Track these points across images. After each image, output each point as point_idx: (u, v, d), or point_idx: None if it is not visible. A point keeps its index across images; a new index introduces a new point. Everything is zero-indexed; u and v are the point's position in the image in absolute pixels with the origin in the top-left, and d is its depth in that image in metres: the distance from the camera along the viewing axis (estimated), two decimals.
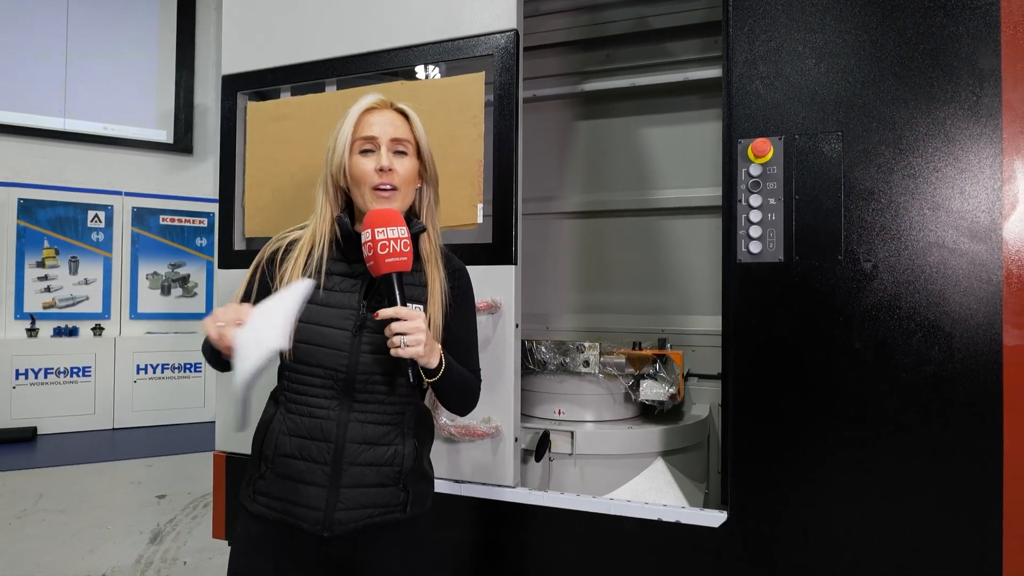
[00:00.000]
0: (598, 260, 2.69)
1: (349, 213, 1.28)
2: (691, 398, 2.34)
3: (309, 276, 1.21)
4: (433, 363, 1.16)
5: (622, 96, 2.65)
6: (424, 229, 1.26)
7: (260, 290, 1.26)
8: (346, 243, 1.24)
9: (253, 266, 1.30)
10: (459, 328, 1.31)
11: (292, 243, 1.28)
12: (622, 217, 2.66)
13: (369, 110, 1.24)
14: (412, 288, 1.23)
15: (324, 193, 1.26)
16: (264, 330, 1.07)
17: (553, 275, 2.73)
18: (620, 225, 2.66)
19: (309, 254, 1.24)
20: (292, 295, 1.12)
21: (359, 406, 1.21)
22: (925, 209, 1.37)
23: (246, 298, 1.25)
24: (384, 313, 1.12)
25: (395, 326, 1.11)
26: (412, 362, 1.13)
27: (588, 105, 2.73)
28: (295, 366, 1.21)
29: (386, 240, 1.13)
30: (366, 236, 1.14)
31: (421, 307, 1.20)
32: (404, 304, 1.14)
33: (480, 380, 1.36)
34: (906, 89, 1.39)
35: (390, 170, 1.21)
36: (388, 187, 1.21)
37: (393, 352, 1.11)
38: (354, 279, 1.24)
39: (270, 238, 1.35)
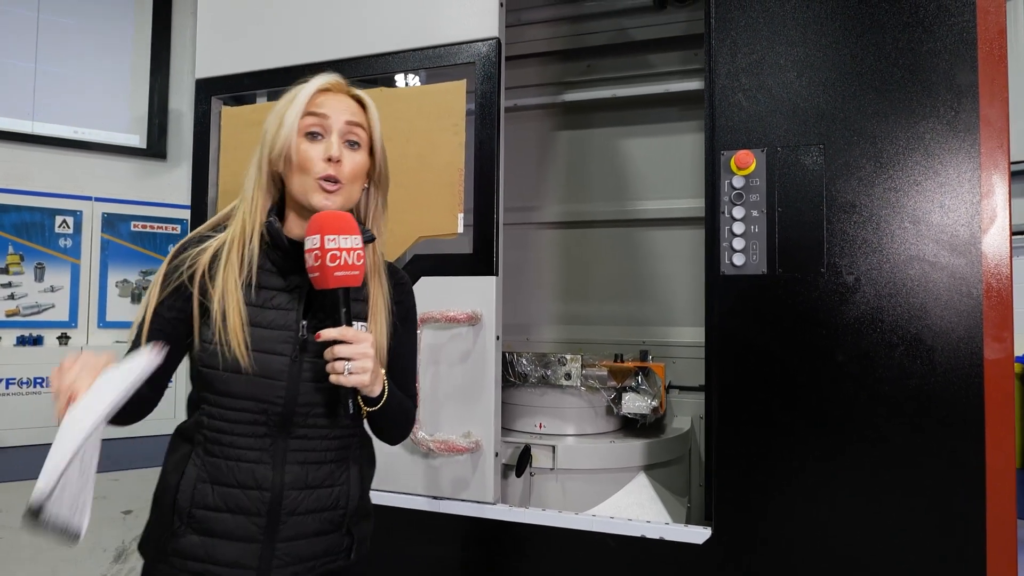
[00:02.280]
0: (578, 271, 2.68)
1: (279, 209, 1.08)
2: (672, 410, 2.32)
3: (246, 289, 1.02)
4: (376, 391, 1.02)
5: (602, 107, 2.64)
6: (374, 238, 1.09)
7: (177, 317, 1.04)
8: (278, 250, 1.05)
9: (163, 281, 1.04)
10: (402, 349, 1.16)
11: (204, 243, 1.06)
12: (602, 228, 2.65)
13: (323, 91, 1.05)
14: (354, 304, 1.04)
15: (257, 180, 1.05)
16: (79, 419, 0.82)
17: (533, 286, 2.71)
18: (600, 236, 2.65)
19: (240, 259, 1.02)
20: (130, 373, 0.86)
21: (297, 443, 1.02)
22: (906, 222, 1.37)
23: (159, 329, 1.03)
24: (327, 334, 0.97)
25: (338, 349, 0.96)
26: (353, 391, 0.98)
27: (568, 115, 2.72)
28: (218, 399, 1.00)
29: (337, 250, 0.95)
30: (312, 243, 0.97)
31: (364, 326, 1.06)
32: (350, 324, 0.99)
33: (417, 406, 1.24)
34: (885, 103, 1.39)
35: (339, 161, 1.02)
36: (334, 180, 1.02)
37: (334, 379, 0.97)
38: (289, 293, 1.05)
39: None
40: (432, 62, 1.73)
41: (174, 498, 1.01)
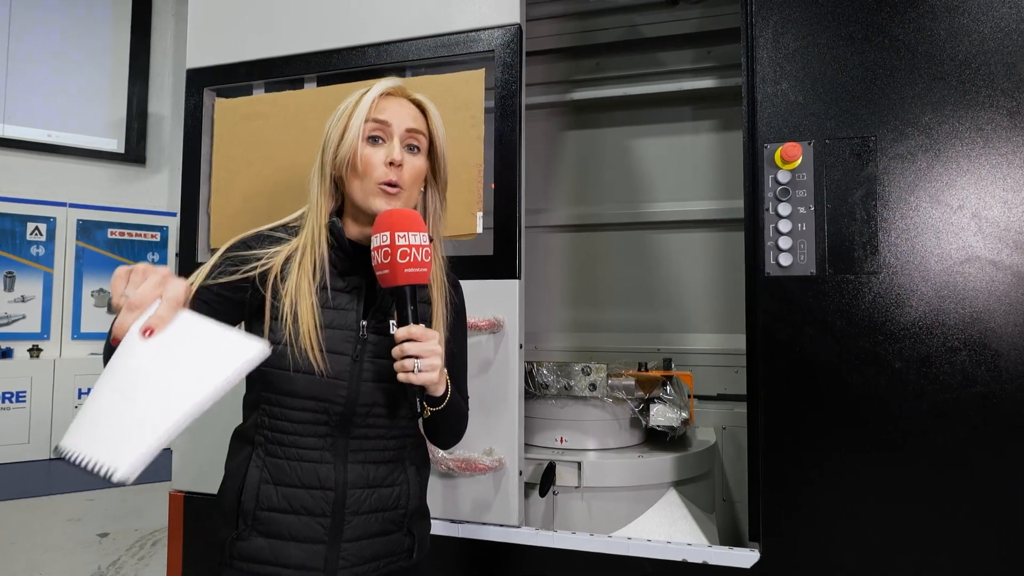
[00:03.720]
0: (589, 276, 2.56)
1: (337, 212, 1.11)
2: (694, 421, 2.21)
3: (320, 291, 1.02)
4: (440, 390, 1.02)
5: (613, 106, 2.55)
6: (431, 239, 1.08)
7: (224, 292, 1.01)
8: (339, 251, 1.06)
9: (219, 259, 1.02)
10: (455, 349, 1.16)
11: (272, 243, 1.06)
12: (614, 231, 2.54)
13: (385, 95, 1.07)
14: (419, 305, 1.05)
15: (321, 185, 1.06)
16: (176, 386, 0.72)
17: (542, 292, 2.59)
18: (612, 239, 2.55)
19: (313, 263, 1.04)
20: (245, 354, 0.76)
21: (357, 443, 1.03)
22: (966, 219, 1.28)
23: (202, 297, 1.00)
24: (400, 333, 0.96)
25: (408, 347, 0.95)
26: (420, 389, 0.98)
27: (577, 115, 2.62)
28: (280, 399, 1.01)
29: (407, 247, 0.95)
30: (382, 240, 0.97)
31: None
32: (417, 322, 0.97)
33: (468, 408, 1.21)
34: (940, 92, 1.31)
35: (400, 165, 1.03)
36: (395, 185, 1.03)
37: (403, 377, 0.95)
38: (348, 293, 1.06)
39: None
40: (448, 50, 1.61)
41: (238, 500, 1.01)
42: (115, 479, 0.68)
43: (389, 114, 1.05)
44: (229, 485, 1.05)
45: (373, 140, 1.05)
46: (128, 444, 0.69)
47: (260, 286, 1.03)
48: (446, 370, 1.05)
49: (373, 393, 1.03)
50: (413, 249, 0.96)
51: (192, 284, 0.98)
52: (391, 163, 1.03)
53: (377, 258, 0.97)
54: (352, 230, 1.08)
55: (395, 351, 0.96)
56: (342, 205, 1.10)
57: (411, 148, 1.07)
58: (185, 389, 0.73)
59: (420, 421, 1.11)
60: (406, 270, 0.96)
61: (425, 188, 1.13)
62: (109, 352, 0.83)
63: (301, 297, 1.00)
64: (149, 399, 0.72)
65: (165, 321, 0.77)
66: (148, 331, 0.76)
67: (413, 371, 0.94)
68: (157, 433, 0.70)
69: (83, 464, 0.69)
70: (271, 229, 1.11)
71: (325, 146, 1.06)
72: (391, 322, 1.01)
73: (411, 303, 0.97)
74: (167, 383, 0.73)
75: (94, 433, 0.72)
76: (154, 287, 0.77)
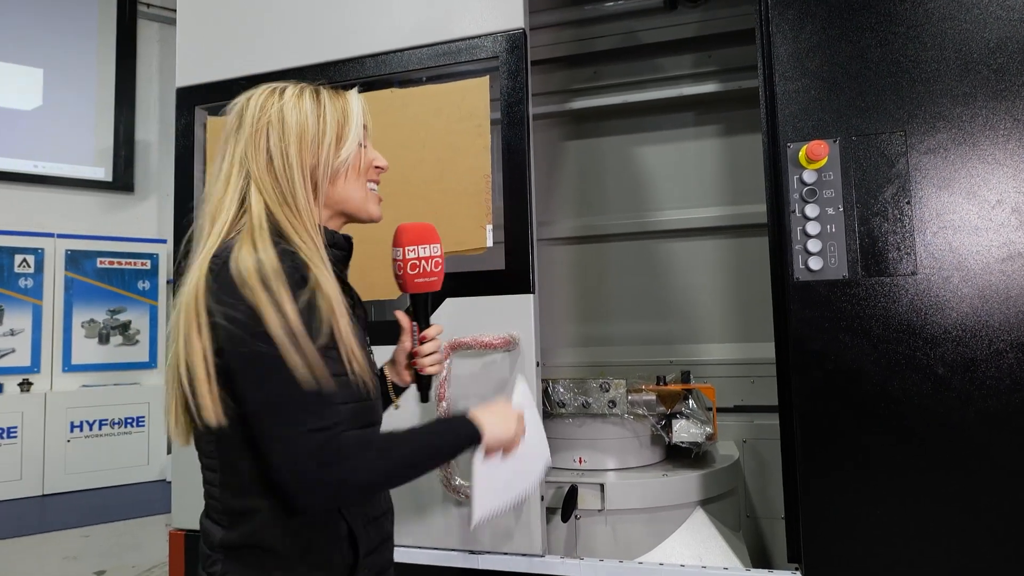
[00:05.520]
0: (597, 288, 2.49)
1: None
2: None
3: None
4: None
5: (613, 114, 2.49)
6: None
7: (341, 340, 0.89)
8: (343, 262, 1.04)
9: (326, 298, 0.87)
10: None
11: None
12: (620, 241, 2.48)
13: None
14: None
15: (305, 191, 0.94)
16: (528, 463, 1.05)
17: (548, 306, 2.51)
18: (618, 250, 2.48)
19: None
20: (531, 405, 1.10)
21: None
22: (1004, 214, 1.22)
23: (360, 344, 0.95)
24: (429, 333, 1.09)
25: (428, 347, 1.08)
26: (430, 378, 1.12)
27: (577, 124, 2.56)
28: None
29: (416, 259, 1.05)
30: (402, 254, 1.05)
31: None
32: (429, 325, 1.09)
33: None
34: (971, 83, 1.25)
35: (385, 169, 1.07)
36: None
37: (434, 370, 1.10)
38: (353, 310, 1.01)
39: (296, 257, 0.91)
40: (450, 58, 1.55)
41: (352, 548, 0.92)
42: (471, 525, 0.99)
43: (368, 118, 1.05)
44: (318, 537, 0.90)
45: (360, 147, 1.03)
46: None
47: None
48: None
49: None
50: (423, 261, 1.05)
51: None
52: (379, 167, 1.05)
53: (403, 269, 1.06)
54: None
55: (421, 348, 1.08)
56: None
57: None
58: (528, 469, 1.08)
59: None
60: (416, 280, 1.06)
61: None
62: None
63: (345, 331, 0.89)
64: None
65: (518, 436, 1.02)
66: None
67: (434, 364, 1.08)
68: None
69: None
70: (274, 243, 0.94)
71: (324, 146, 0.96)
72: (414, 324, 1.10)
73: (431, 307, 1.09)
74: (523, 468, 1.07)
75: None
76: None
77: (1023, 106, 1.22)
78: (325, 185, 0.97)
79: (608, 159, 2.52)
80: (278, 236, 0.90)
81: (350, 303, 0.97)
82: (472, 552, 1.45)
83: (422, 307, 1.08)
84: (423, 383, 1.11)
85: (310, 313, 0.84)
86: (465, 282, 1.48)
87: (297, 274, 0.86)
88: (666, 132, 2.45)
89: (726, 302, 2.30)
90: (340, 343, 0.88)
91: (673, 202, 2.42)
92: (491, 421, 0.96)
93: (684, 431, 1.63)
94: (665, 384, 1.75)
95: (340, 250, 1.01)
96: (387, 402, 1.11)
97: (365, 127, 1.03)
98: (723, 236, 2.32)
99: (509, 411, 1.01)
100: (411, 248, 1.04)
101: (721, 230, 2.32)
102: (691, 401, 1.69)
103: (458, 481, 1.40)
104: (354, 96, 1.03)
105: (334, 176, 0.98)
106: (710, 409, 1.92)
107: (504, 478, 1.00)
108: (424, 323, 1.08)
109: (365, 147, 1.03)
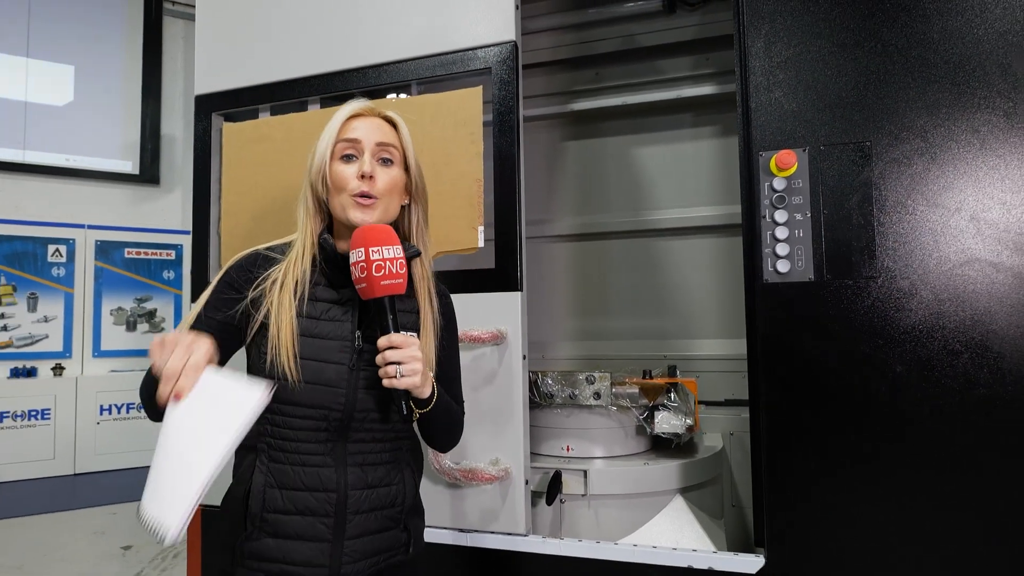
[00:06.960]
0: (594, 284, 2.58)
1: (329, 230, 1.16)
2: (701, 427, 2.21)
3: (299, 304, 1.08)
4: (426, 393, 1.08)
5: (613, 115, 2.57)
6: (418, 253, 1.16)
7: (227, 320, 1.09)
8: (331, 266, 1.12)
9: (219, 284, 1.11)
10: (446, 357, 1.22)
11: (268, 264, 1.12)
12: (617, 239, 2.56)
13: (354, 116, 1.13)
14: (405, 315, 1.13)
15: (305, 207, 1.13)
16: (202, 443, 0.85)
17: (548, 302, 2.61)
18: (615, 247, 2.56)
19: (295, 279, 1.10)
20: (250, 404, 0.88)
21: (355, 447, 1.09)
22: (964, 221, 1.28)
23: (206, 329, 1.04)
24: (381, 342, 1.03)
25: (389, 354, 1.02)
26: (406, 393, 1.04)
27: (578, 125, 2.64)
28: (281, 407, 1.06)
29: (381, 260, 1.01)
30: (357, 255, 1.03)
31: (414, 334, 1.11)
32: (397, 330, 1.04)
33: (464, 412, 1.26)
34: (935, 95, 1.31)
35: (371, 177, 1.08)
36: (369, 196, 1.09)
37: (387, 383, 1.02)
38: (343, 306, 1.11)
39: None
40: (445, 69, 1.64)
41: (245, 504, 1.06)
42: (166, 543, 0.82)
43: (359, 132, 1.11)
44: (236, 491, 1.10)
45: (347, 158, 1.11)
46: (171, 506, 0.83)
47: (253, 309, 1.09)
48: (431, 374, 1.10)
49: (369, 399, 1.08)
50: (387, 263, 1.02)
51: (194, 325, 1.08)
52: (362, 176, 1.08)
53: (355, 273, 1.04)
54: (341, 245, 1.12)
55: (378, 359, 1.02)
56: (332, 224, 1.16)
57: (384, 161, 1.12)
58: (208, 446, 0.85)
59: (415, 424, 1.16)
60: (381, 282, 1.02)
61: (408, 203, 1.18)
62: (146, 388, 1.00)
63: (282, 311, 1.05)
64: (182, 459, 0.86)
65: (188, 386, 0.88)
66: (176, 396, 0.87)
67: (396, 376, 1.01)
68: (191, 492, 0.83)
69: (146, 526, 0.84)
70: (268, 248, 1.16)
71: (307, 169, 1.13)
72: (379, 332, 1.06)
73: (391, 312, 1.03)
74: (195, 442, 0.86)
75: (151, 494, 0.86)
76: (181, 357, 0.88)
77: (982, 117, 1.28)
78: (322, 195, 1.12)
79: (608, 159, 2.59)
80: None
81: (339, 299, 1.11)
82: (461, 531, 1.56)
83: (386, 312, 1.03)
84: (396, 396, 1.04)
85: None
86: (456, 280, 1.58)
87: (233, 274, 1.11)
88: (664, 133, 2.52)
89: (719, 299, 2.37)
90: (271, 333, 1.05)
91: (669, 201, 2.49)
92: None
93: (665, 422, 1.72)
94: (651, 378, 1.84)
95: (334, 265, 1.11)
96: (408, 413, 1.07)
97: (354, 141, 1.11)
98: (717, 235, 2.39)
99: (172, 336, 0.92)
100: (375, 249, 1.02)
101: (716, 229, 2.39)
102: (673, 394, 1.77)
103: (446, 463, 1.51)
104: (340, 111, 1.13)
105: (326, 191, 1.11)
106: (698, 402, 2.01)
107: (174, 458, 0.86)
108: (391, 329, 1.02)
109: (348, 161, 1.10)
